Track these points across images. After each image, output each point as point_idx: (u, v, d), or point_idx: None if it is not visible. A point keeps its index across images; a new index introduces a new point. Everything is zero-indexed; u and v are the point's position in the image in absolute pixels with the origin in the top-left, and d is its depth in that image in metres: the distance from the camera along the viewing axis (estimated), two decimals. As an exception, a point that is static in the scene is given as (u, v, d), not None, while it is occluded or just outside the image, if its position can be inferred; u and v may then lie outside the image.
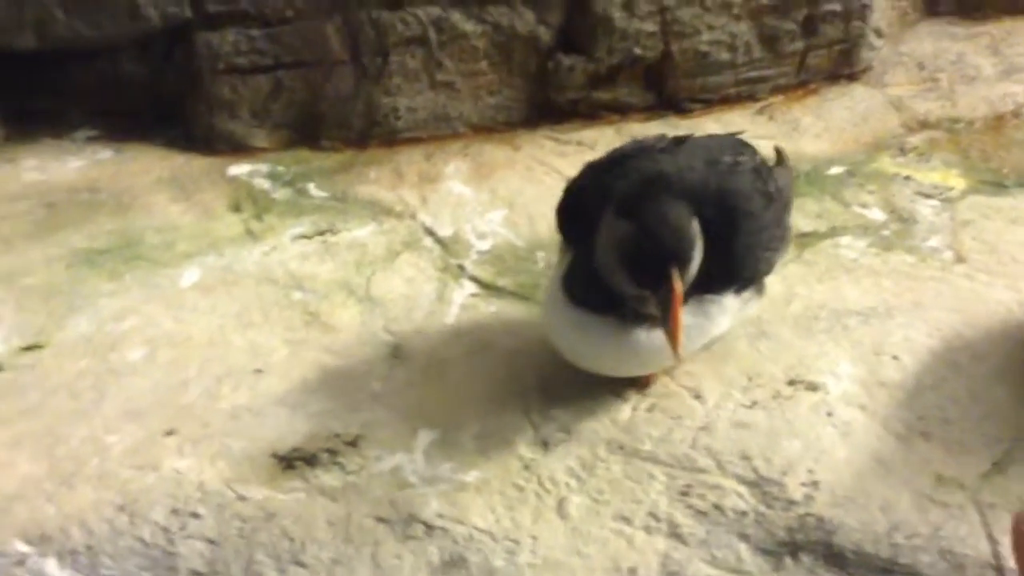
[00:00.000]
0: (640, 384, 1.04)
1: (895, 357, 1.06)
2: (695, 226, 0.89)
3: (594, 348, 0.96)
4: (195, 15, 1.57)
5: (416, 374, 1.10)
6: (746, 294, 1.00)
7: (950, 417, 0.97)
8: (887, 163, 1.54)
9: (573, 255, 1.00)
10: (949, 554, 0.83)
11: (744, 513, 0.89)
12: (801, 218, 1.39)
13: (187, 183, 1.53)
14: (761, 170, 1.03)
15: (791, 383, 1.03)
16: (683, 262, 0.86)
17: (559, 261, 1.05)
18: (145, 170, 1.56)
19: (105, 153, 1.61)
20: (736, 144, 1.07)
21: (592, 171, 1.04)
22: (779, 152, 1.18)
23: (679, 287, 0.85)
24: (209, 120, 1.62)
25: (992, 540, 0.84)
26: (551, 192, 1.43)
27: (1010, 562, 0.81)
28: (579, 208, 1.02)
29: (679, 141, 1.04)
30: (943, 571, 0.82)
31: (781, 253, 1.05)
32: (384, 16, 1.57)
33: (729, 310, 0.98)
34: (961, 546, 0.83)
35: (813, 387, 1.02)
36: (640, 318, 0.92)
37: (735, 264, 0.96)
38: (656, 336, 0.92)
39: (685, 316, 0.90)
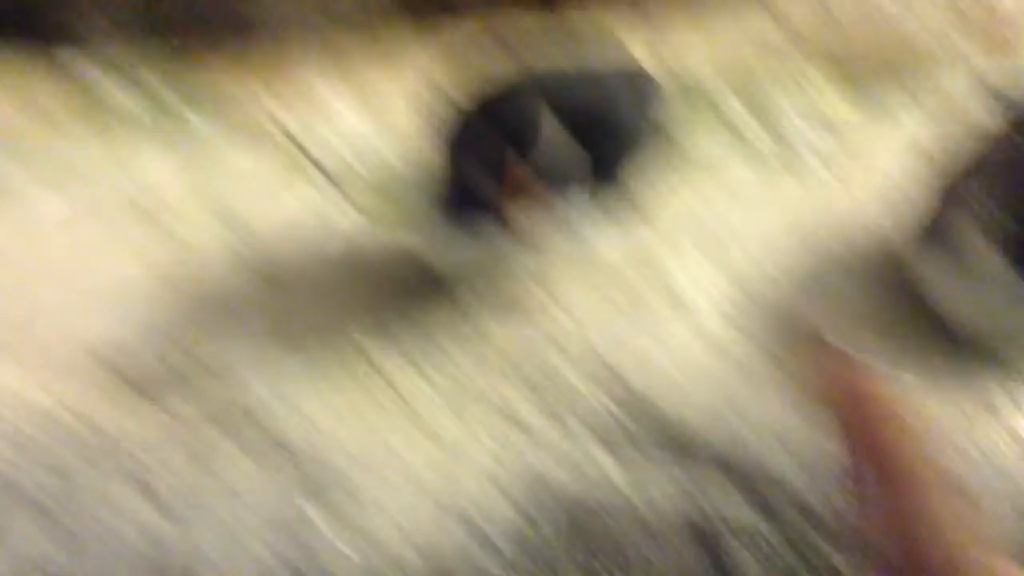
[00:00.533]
0: None
1: (765, 272, 1.06)
2: (544, 115, 0.87)
3: (459, 257, 0.94)
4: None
5: (288, 302, 1.06)
6: (604, 192, 0.99)
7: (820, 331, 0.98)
8: (767, 81, 1.54)
9: (444, 173, 0.97)
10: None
11: (601, 415, 0.89)
12: (683, 136, 1.38)
13: (33, 91, 1.44)
14: (634, 78, 1.01)
15: (658, 293, 1.03)
16: (524, 147, 0.84)
17: (434, 182, 1.02)
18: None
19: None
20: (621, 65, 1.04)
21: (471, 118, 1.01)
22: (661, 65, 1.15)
23: (515, 172, 0.84)
24: (55, 17, 1.50)
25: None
26: (416, 91, 1.38)
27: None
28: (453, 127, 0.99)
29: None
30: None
31: (644, 156, 1.04)
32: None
33: (584, 209, 0.96)
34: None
35: (681, 300, 1.02)
36: (500, 218, 0.89)
37: (591, 162, 0.94)
38: (510, 242, 0.89)
39: (543, 212, 0.90)
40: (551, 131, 0.86)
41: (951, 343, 0.94)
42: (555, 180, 0.88)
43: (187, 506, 0.83)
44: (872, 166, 1.29)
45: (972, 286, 0.91)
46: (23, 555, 0.79)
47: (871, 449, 0.31)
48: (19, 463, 0.85)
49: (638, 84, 1.02)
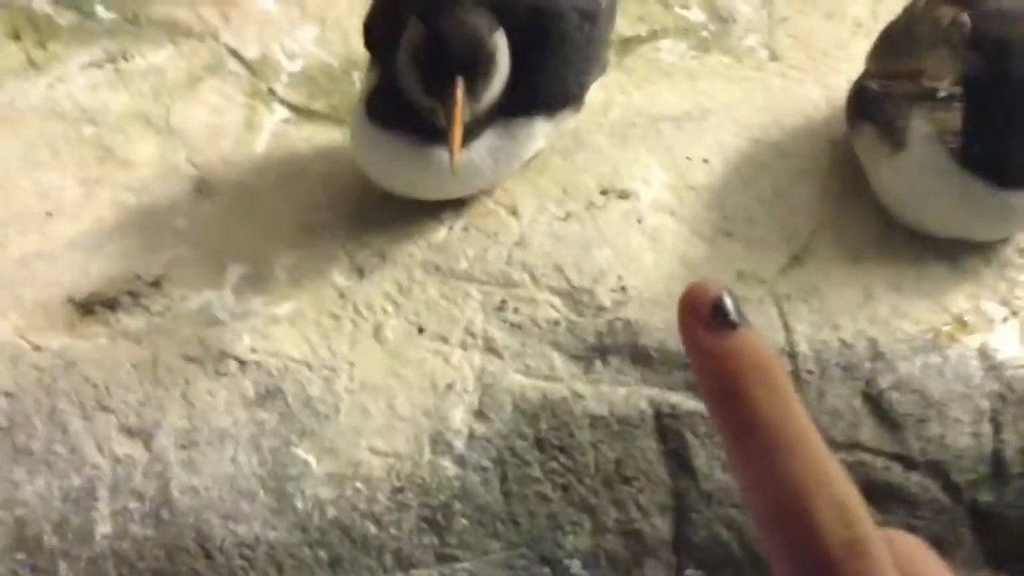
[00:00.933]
0: None
1: (705, 160, 1.07)
2: (496, 39, 0.85)
3: (397, 168, 0.93)
4: None
5: (223, 208, 1.05)
6: (559, 116, 0.98)
7: (754, 216, 1.00)
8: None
9: (377, 71, 0.95)
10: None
11: (556, 323, 0.90)
12: (622, 21, 1.35)
13: (-46, 8, 1.37)
14: None
15: (604, 192, 1.03)
16: (472, 71, 0.83)
17: (365, 79, 1.00)
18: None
19: None
20: None
21: None
22: None
23: (460, 95, 0.81)
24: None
25: (787, 329, 0.88)
26: (364, 5, 1.35)
27: (801, 347, 0.86)
28: (386, 21, 0.96)
29: None
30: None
31: (596, 75, 1.03)
32: None
33: (540, 133, 0.96)
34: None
35: (625, 195, 1.03)
36: (440, 135, 0.89)
37: (545, 87, 0.94)
38: (461, 155, 0.89)
39: (491, 138, 0.89)
40: (503, 58, 0.84)
41: (892, 233, 0.96)
42: (507, 104, 0.87)
43: (144, 420, 0.84)
44: (810, 43, 1.29)
45: (910, 170, 0.92)
46: (-16, 480, 0.80)
47: (728, 404, 0.27)
48: (-32, 390, 0.84)
49: None
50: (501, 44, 0.86)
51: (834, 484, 0.25)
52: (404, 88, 0.88)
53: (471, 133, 0.90)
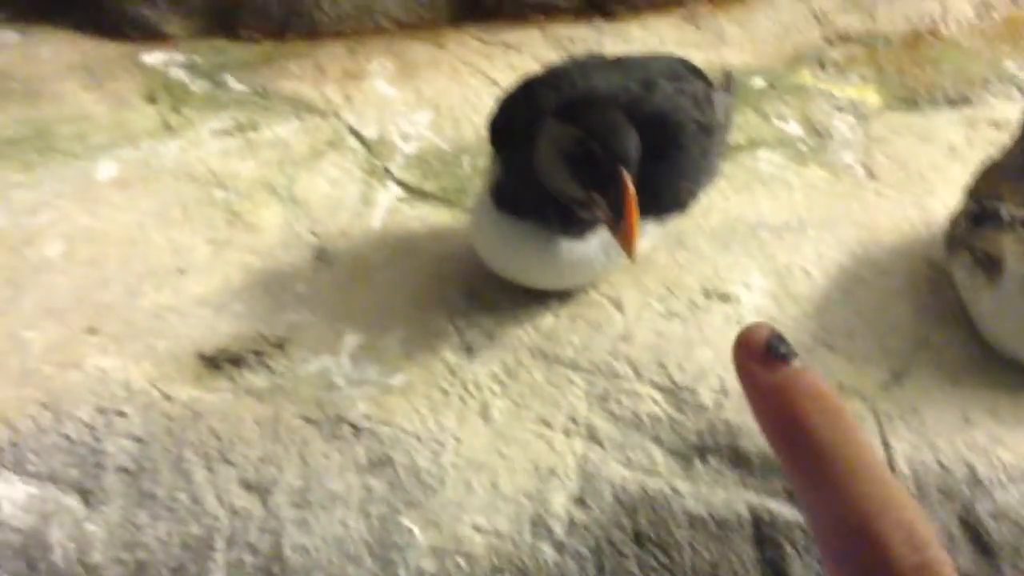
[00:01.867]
0: None
1: (805, 271, 1.10)
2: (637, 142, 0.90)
3: (520, 256, 0.98)
4: None
5: (341, 277, 1.10)
6: (667, 219, 1.03)
7: (854, 330, 1.03)
8: (806, 77, 1.57)
9: (503, 164, 1.01)
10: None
11: (658, 418, 0.93)
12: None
13: (99, 70, 1.47)
14: (701, 99, 1.04)
15: (706, 294, 1.07)
16: (631, 165, 0.86)
17: (488, 171, 1.06)
18: (54, 56, 1.49)
19: (10, 36, 1.53)
20: (679, 68, 1.08)
21: (527, 84, 1.04)
22: (728, 77, 1.19)
23: (631, 186, 0.85)
24: (119, 4, 1.54)
25: (887, 446, 0.90)
26: (477, 95, 1.44)
27: (900, 465, 0.88)
28: (512, 119, 1.03)
29: (618, 60, 1.05)
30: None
31: (707, 184, 1.08)
32: (308, -97, 1.50)
33: (649, 235, 1.01)
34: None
35: (726, 298, 1.06)
36: (570, 227, 0.93)
37: (658, 192, 0.98)
38: (579, 248, 0.94)
39: (604, 234, 0.93)
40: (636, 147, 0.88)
41: (989, 358, 0.98)
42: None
43: (262, 476, 0.88)
44: (906, 164, 1.33)
45: (1007, 302, 0.94)
46: (115, 521, 0.84)
47: (787, 434, 0.27)
48: (107, 434, 0.89)
49: (703, 102, 1.05)
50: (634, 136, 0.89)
51: (901, 507, 0.25)
52: (551, 185, 0.92)
53: (589, 228, 0.95)
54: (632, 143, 0.87)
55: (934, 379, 0.97)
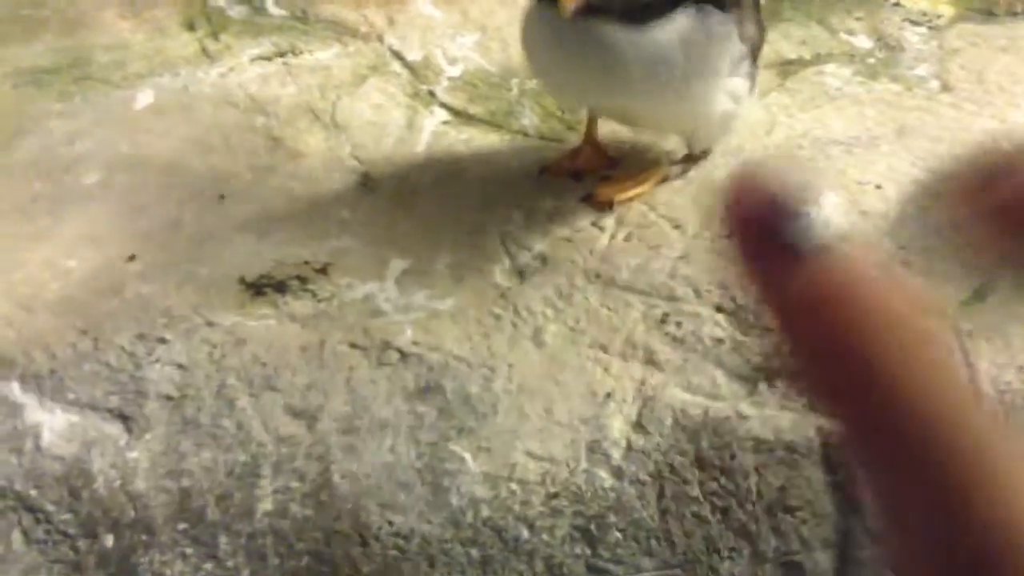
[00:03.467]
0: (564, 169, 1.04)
1: (878, 186, 1.04)
2: None
3: (568, 58, 0.87)
4: None
5: (386, 202, 1.06)
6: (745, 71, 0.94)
7: (931, 246, 0.96)
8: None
9: None
10: (924, 379, 0.84)
11: (720, 340, 0.88)
12: (785, 44, 1.34)
13: (136, -2, 1.43)
14: None
15: (771, 211, 1.01)
16: None
17: None
18: (90, -17, 1.45)
19: (45, -36, 1.50)
20: None
21: None
22: None
23: None
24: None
25: (970, 366, 0.84)
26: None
27: (984, 387, 0.82)
28: None
29: None
30: (917, 396, 0.82)
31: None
32: None
33: (734, 40, 0.89)
34: (936, 372, 0.84)
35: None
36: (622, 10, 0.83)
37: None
38: (642, 40, 0.83)
39: (682, 21, 0.82)
40: None
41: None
42: None
43: (308, 402, 0.85)
44: (984, 76, 1.25)
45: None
46: (159, 449, 0.82)
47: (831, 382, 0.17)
48: (148, 361, 0.87)
49: None
50: None
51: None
52: None
53: (653, 13, 0.82)
54: None
55: (1018, 297, 0.90)
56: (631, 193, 1.01)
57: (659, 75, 0.86)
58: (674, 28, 0.84)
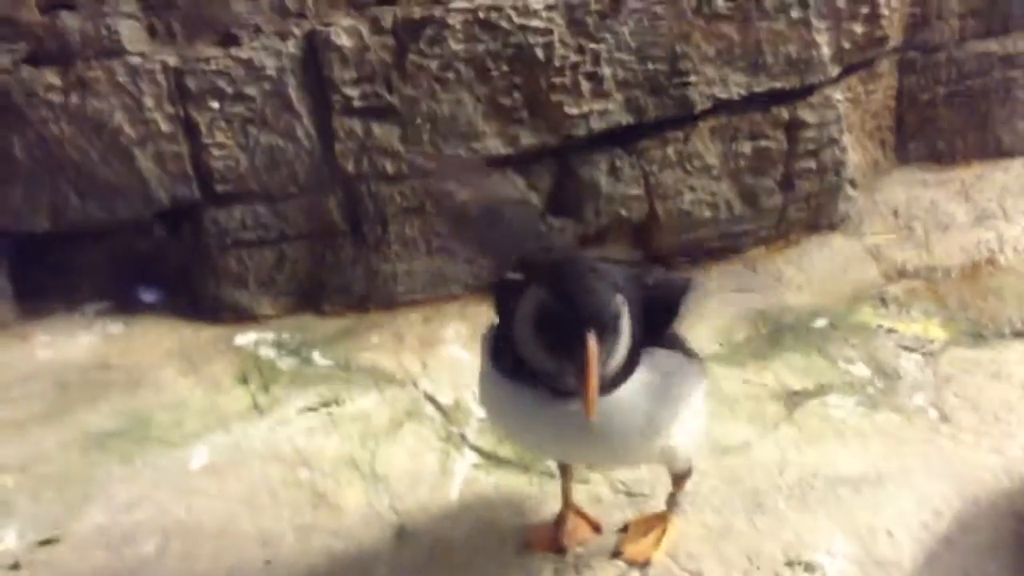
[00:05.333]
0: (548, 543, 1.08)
1: (889, 533, 1.09)
2: (618, 300, 0.85)
3: (521, 419, 0.93)
4: (203, 195, 1.64)
5: (421, 556, 1.12)
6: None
7: (944, 599, 1.00)
8: (869, 315, 1.60)
9: (497, 326, 0.97)
10: None
11: None
12: (789, 374, 1.44)
13: (195, 355, 1.58)
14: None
15: (789, 563, 1.05)
16: (601, 324, 0.82)
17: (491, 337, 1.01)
18: (154, 343, 1.61)
19: (115, 327, 1.66)
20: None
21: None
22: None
23: (594, 347, 0.80)
24: (216, 291, 1.68)
25: None
26: None
27: None
28: (510, 284, 0.98)
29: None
30: None
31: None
32: (383, 188, 1.64)
33: (689, 375, 0.96)
34: None
35: (811, 568, 1.05)
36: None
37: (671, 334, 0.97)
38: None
39: (642, 374, 0.89)
40: (626, 321, 0.86)
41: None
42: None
43: None
44: (979, 404, 1.32)
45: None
46: None
47: None
48: None
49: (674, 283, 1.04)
50: (623, 309, 0.87)
51: None
52: (526, 355, 0.88)
53: (611, 386, 0.87)
54: (600, 301, 0.83)
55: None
56: (660, 548, 1.07)
57: (633, 428, 0.91)
58: (636, 383, 0.90)
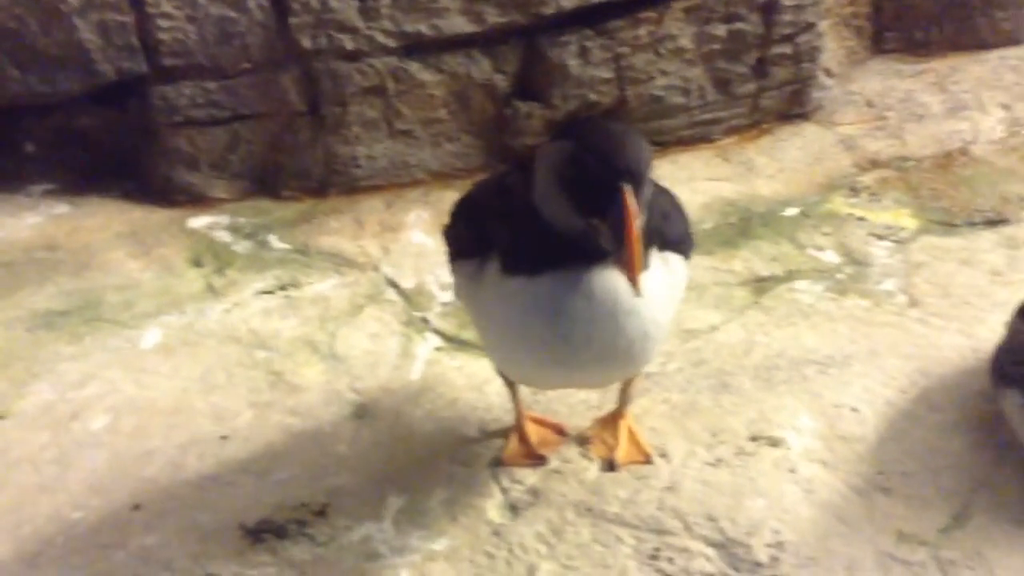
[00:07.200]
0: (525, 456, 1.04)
1: (854, 409, 1.08)
2: (648, 146, 0.77)
3: (539, 319, 0.82)
4: (150, 69, 1.56)
5: (382, 435, 1.10)
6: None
7: (909, 470, 0.99)
8: (840, 203, 1.57)
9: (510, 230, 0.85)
10: (911, 614, 0.85)
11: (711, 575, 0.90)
12: (758, 261, 1.42)
13: (146, 237, 1.52)
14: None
15: (753, 439, 1.05)
16: (636, 178, 0.73)
17: (458, 284, 0.96)
18: (103, 225, 1.55)
19: (61, 208, 1.59)
20: None
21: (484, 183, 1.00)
22: None
23: (633, 204, 0.72)
24: (167, 172, 1.61)
25: (954, 599, 0.86)
26: None
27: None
28: (480, 216, 0.92)
29: None
30: (906, 632, 0.84)
31: None
32: (342, 67, 1.57)
33: (683, 274, 0.90)
34: (923, 605, 0.86)
35: (775, 443, 1.04)
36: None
37: (681, 230, 0.92)
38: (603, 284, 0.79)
39: (654, 264, 0.81)
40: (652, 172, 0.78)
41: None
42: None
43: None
44: (949, 289, 1.31)
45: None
46: None
47: None
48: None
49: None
50: (651, 154, 0.78)
51: None
52: (551, 217, 0.79)
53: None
54: (636, 152, 0.75)
55: (997, 521, 0.93)
56: (628, 448, 1.04)
57: (660, 323, 0.85)
58: (654, 274, 0.83)
